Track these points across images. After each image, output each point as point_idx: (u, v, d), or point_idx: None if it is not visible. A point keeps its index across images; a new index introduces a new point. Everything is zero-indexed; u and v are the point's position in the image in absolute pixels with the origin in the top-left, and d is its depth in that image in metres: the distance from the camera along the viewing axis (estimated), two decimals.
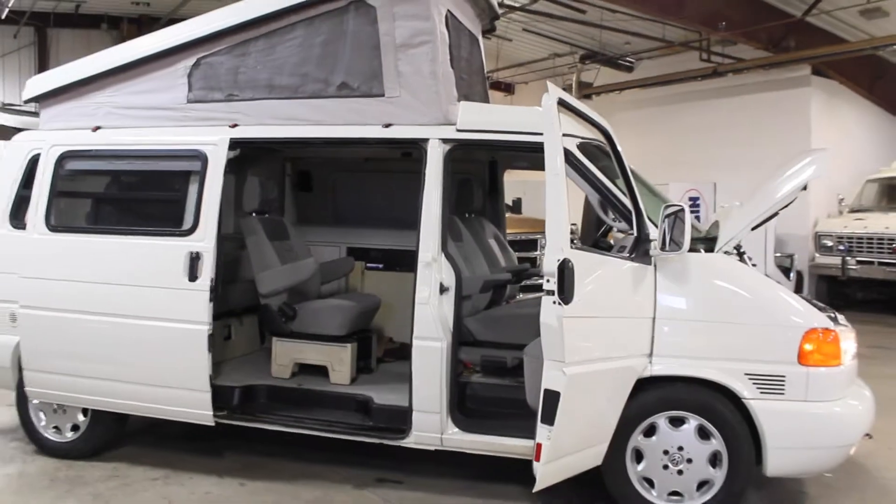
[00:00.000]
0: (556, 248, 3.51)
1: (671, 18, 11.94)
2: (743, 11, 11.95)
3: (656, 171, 15.40)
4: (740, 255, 4.24)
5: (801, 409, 3.85)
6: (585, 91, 16.74)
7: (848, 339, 4.06)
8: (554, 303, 3.47)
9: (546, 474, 3.62)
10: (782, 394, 3.86)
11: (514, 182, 10.32)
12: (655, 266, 3.98)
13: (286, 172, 6.53)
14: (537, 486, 3.61)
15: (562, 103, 3.72)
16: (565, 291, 3.46)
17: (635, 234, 3.98)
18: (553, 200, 3.54)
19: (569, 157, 4.09)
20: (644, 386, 3.98)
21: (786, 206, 4.25)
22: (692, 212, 13.93)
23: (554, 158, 3.57)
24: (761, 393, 3.87)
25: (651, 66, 15.99)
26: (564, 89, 14.56)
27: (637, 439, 4.01)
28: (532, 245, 10.31)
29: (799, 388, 3.84)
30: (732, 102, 14.79)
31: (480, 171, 6.35)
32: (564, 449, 3.67)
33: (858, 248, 12.30)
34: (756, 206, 4.18)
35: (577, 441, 3.78)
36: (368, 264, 6.28)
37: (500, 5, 12.36)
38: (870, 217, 12.60)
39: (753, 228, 4.21)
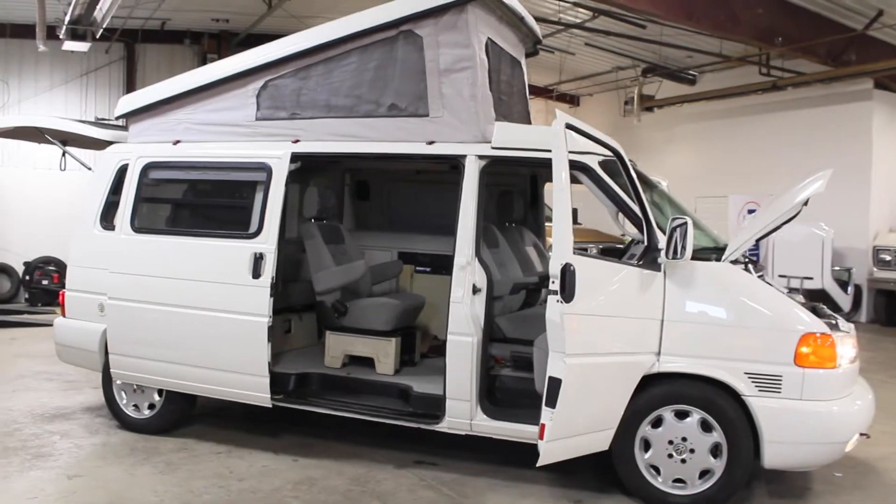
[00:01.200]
0: (560, 254, 3.98)
1: (726, 34, 12.13)
2: (801, 26, 12.05)
3: (716, 184, 15.64)
4: (747, 264, 4.60)
5: (797, 406, 4.20)
6: (647, 104, 16.98)
7: (846, 344, 4.38)
8: (557, 301, 3.93)
9: (548, 451, 4.08)
10: (779, 392, 4.22)
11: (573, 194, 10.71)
12: (665, 273, 4.39)
13: (345, 182, 7.12)
14: (540, 462, 4.08)
15: (570, 127, 4.16)
16: (566, 291, 3.92)
17: (645, 243, 4.40)
18: (559, 212, 4.00)
19: (590, 173, 4.54)
20: (653, 381, 4.39)
21: (789, 221, 4.57)
22: None
23: (560, 174, 4.02)
24: (759, 391, 4.24)
25: (712, 79, 16.14)
26: (627, 102, 14.98)
27: (645, 430, 4.42)
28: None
29: (795, 388, 4.20)
30: (792, 115, 14.87)
31: (522, 183, 6.83)
32: (566, 430, 4.12)
33: None
34: (762, 219, 4.55)
35: (580, 424, 4.22)
36: (417, 267, 6.81)
37: (559, 23, 12.88)
38: None
39: (759, 239, 4.57)
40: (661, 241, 4.34)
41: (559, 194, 4.01)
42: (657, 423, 4.42)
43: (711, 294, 4.37)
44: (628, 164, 4.40)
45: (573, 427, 4.18)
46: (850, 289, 12.98)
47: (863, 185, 13.62)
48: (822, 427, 4.23)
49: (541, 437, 4.04)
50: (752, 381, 4.24)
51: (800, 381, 4.19)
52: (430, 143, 4.98)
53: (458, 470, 5.09)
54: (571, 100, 19.82)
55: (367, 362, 5.65)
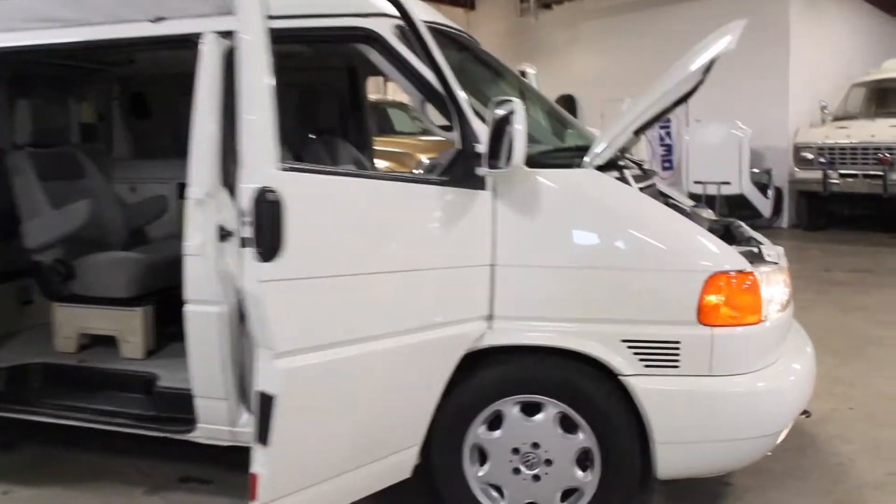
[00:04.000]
0: (255, 169, 2.34)
1: None
2: None
3: (623, 86, 14.06)
4: (621, 168, 3.02)
5: (704, 387, 2.70)
6: (546, 0, 15.22)
7: (775, 282, 2.89)
8: (253, 258, 2.29)
9: None
10: (676, 367, 2.70)
11: None
12: (495, 191, 2.78)
13: (112, 95, 5.26)
14: None
15: None
16: (264, 240, 2.28)
17: (458, 145, 2.77)
18: (252, 99, 2.38)
19: (380, 44, 2.89)
20: (485, 359, 2.83)
21: (685, 99, 3.02)
22: (663, 127, 12.78)
23: (252, 40, 2.39)
24: (646, 367, 2.72)
25: None
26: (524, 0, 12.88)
27: (477, 433, 2.87)
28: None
29: (700, 359, 2.69)
30: (707, 6, 13.29)
31: (335, 79, 5.06)
32: (300, 478, 2.57)
33: (842, 160, 11.02)
34: (647, 98, 2.95)
35: (330, 462, 2.66)
36: None
37: None
38: (854, 125, 11.29)
39: (643, 128, 2.99)
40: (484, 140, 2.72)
41: (252, 71, 2.35)
42: (495, 422, 2.87)
43: (567, 219, 2.79)
44: (416, 22, 2.70)
45: (314, 469, 2.62)
46: (769, 192, 11.76)
47: (781, 80, 12.22)
48: (742, 415, 2.74)
49: (252, 496, 2.44)
50: (635, 354, 2.72)
51: (707, 349, 2.68)
52: (158, 20, 3.20)
53: (237, 490, 3.49)
54: (466, 3, 17.90)
55: (113, 343, 3.96)
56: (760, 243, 3.09)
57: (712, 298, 2.67)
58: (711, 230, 3.25)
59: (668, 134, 13.04)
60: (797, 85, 12.29)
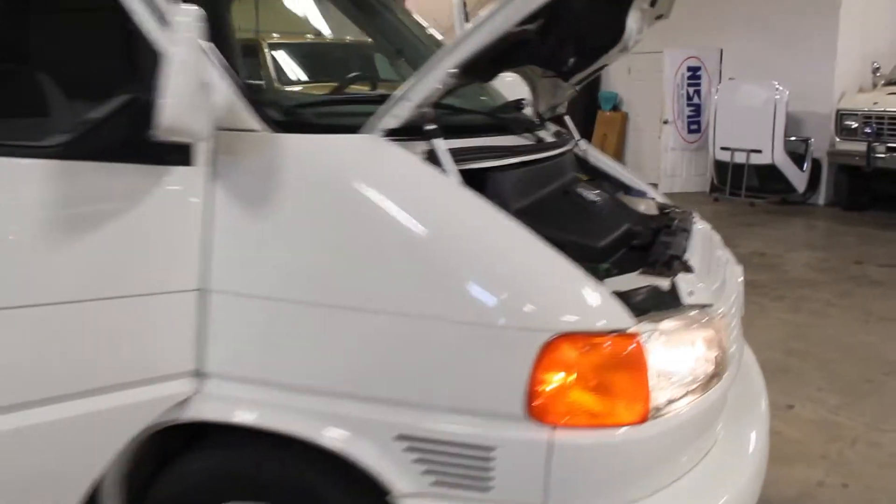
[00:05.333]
0: None
1: None
2: None
3: (657, 35, 12.40)
4: (455, 132, 1.80)
5: None
6: None
7: (687, 345, 1.69)
8: None
9: None
10: (485, 490, 1.55)
11: None
12: (214, 169, 1.63)
13: None
14: None
15: None
16: None
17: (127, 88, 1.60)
18: None
19: None
20: (195, 442, 1.72)
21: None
22: (691, 84, 11.34)
23: None
24: (435, 485, 1.58)
25: None
26: None
27: None
28: None
29: (528, 480, 1.54)
30: None
31: None
32: None
33: (891, 131, 9.49)
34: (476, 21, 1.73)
35: None
36: None
37: None
38: None
39: (467, 77, 1.79)
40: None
41: None
42: None
43: (307, 221, 1.63)
44: None
45: None
46: (806, 165, 10.31)
47: (828, 35, 10.58)
48: None
49: None
50: (418, 461, 1.58)
51: (540, 463, 1.53)
52: None
53: None
54: None
55: None
56: (688, 268, 1.88)
57: (553, 378, 1.50)
58: (630, 234, 2.09)
59: (697, 92, 11.61)
60: (847, 42, 10.64)
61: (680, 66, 11.58)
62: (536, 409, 1.51)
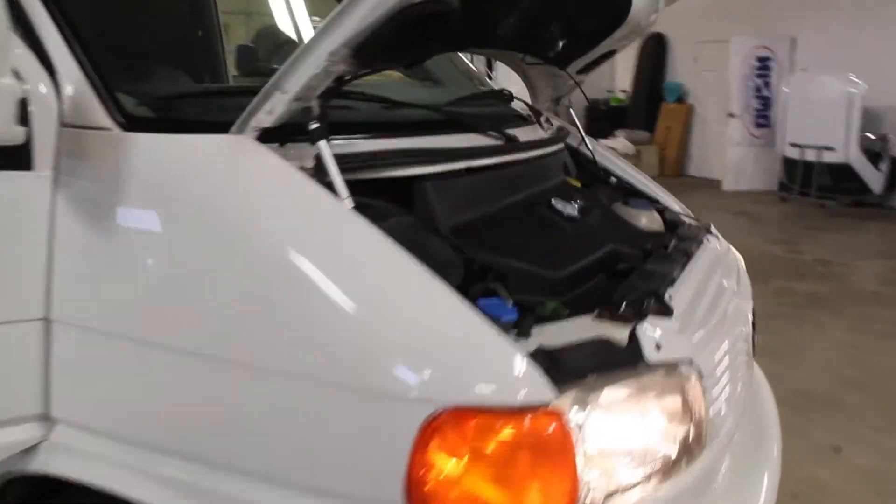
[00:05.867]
0: None
1: None
2: None
3: (713, 23, 11.81)
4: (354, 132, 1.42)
5: None
6: None
7: (672, 407, 1.30)
8: None
9: None
10: None
11: None
12: (56, 175, 1.31)
13: None
14: None
15: None
16: None
17: None
18: None
19: None
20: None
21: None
22: (760, 76, 10.63)
23: None
24: None
25: None
26: None
27: None
28: None
29: None
30: None
31: None
32: None
33: None
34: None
35: None
36: None
37: None
38: None
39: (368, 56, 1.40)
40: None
41: None
42: None
43: (151, 243, 1.28)
44: None
45: None
46: (883, 164, 9.53)
47: None
48: None
49: None
50: None
51: None
52: None
53: None
54: None
55: None
56: (666, 309, 1.46)
57: (441, 462, 1.11)
58: (614, 257, 1.71)
59: (767, 84, 10.88)
60: None
61: (748, 55, 10.88)
62: (420, 499, 1.12)
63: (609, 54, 2.36)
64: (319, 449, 1.17)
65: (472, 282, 1.42)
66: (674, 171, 12.19)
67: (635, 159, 12.04)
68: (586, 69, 2.41)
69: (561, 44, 2.15)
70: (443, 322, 1.17)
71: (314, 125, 1.30)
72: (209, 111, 1.45)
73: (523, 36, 1.98)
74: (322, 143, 1.30)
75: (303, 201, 1.25)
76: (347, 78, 1.37)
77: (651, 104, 12.61)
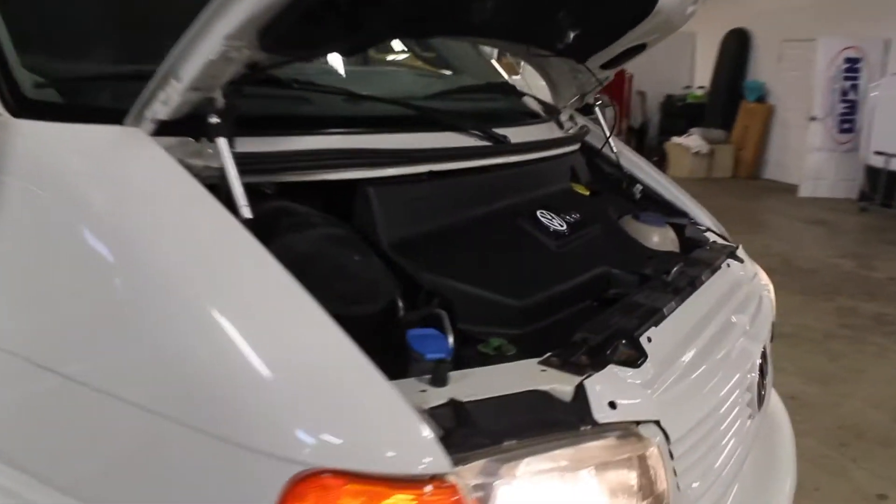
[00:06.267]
0: None
1: None
2: None
3: (800, 23, 11.16)
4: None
5: None
6: None
7: (620, 481, 1.07)
8: None
9: None
10: None
11: None
12: None
13: None
14: None
15: None
16: None
17: None
18: None
19: None
20: None
21: None
22: (848, 78, 10.02)
23: None
24: None
25: None
26: None
27: None
28: None
29: None
30: None
31: None
32: None
33: None
34: None
35: None
36: None
37: None
38: None
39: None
40: None
41: None
42: None
43: (33, 246, 1.11)
44: None
45: None
46: None
47: None
48: None
49: None
50: None
51: None
52: None
53: None
54: None
55: None
56: (636, 355, 1.23)
57: None
58: (604, 281, 1.50)
59: (855, 87, 10.25)
60: None
61: (836, 56, 10.25)
62: None
63: (638, 49, 2.11)
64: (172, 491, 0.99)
65: (413, 307, 1.22)
66: (748, 174, 11.66)
67: (708, 159, 11.56)
68: (611, 64, 2.16)
69: (572, 35, 1.90)
70: (320, 364, 0.97)
71: (213, 119, 1.11)
72: (125, 98, 1.27)
73: (518, 24, 1.75)
74: (220, 141, 1.11)
75: (181, 209, 1.06)
76: (262, 66, 1.17)
77: (730, 102, 12.06)
